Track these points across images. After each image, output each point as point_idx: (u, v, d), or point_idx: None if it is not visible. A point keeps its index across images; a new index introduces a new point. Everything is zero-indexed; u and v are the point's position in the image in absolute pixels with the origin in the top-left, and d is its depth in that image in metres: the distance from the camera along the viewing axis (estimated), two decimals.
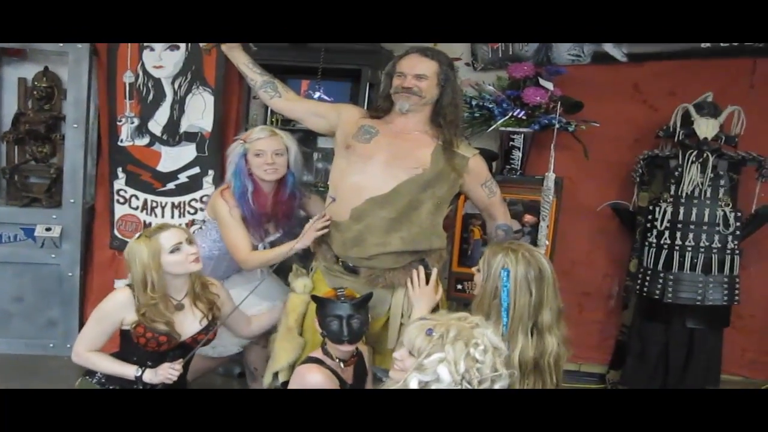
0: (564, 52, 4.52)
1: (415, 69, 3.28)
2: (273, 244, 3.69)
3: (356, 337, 3.06)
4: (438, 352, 2.21)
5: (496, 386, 2.22)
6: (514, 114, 4.20)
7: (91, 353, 3.20)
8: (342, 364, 3.10)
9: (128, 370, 3.16)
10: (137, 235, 3.27)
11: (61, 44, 4.66)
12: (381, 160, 3.26)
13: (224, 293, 3.46)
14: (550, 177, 3.73)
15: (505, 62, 4.55)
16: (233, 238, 3.59)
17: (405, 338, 2.35)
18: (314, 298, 3.21)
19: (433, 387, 2.19)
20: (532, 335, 2.70)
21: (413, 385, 2.21)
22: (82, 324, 4.83)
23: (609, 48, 4.47)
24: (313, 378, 3.02)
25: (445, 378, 2.17)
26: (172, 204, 4.79)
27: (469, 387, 2.17)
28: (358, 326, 3.05)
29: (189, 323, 3.26)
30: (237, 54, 3.62)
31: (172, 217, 4.78)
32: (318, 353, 3.14)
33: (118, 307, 3.17)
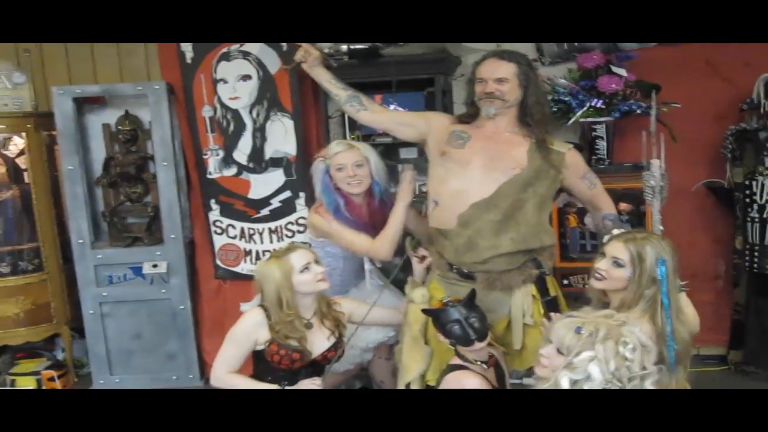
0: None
1: (495, 73, 3.31)
2: None
3: (483, 334, 3.09)
4: (588, 351, 2.28)
5: (646, 384, 2.28)
6: (592, 104, 4.24)
7: (231, 375, 3.29)
8: (485, 366, 3.13)
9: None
10: (266, 257, 3.43)
11: (140, 87, 4.88)
12: (478, 164, 3.29)
13: (349, 304, 3.56)
14: (655, 163, 3.56)
15: (572, 54, 4.56)
16: (348, 241, 3.68)
17: (553, 336, 2.41)
18: (425, 311, 3.28)
19: (585, 386, 2.25)
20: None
21: (564, 383, 2.27)
22: (200, 354, 5.11)
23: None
24: (470, 382, 3.04)
25: (596, 377, 2.24)
26: (269, 229, 4.94)
27: (619, 385, 2.24)
28: (479, 323, 3.08)
29: (318, 341, 3.37)
30: (319, 71, 3.72)
31: (271, 242, 4.93)
32: (457, 360, 3.17)
33: (252, 327, 3.29)
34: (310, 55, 3.66)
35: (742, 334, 4.51)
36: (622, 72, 4.20)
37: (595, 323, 2.33)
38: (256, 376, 3.36)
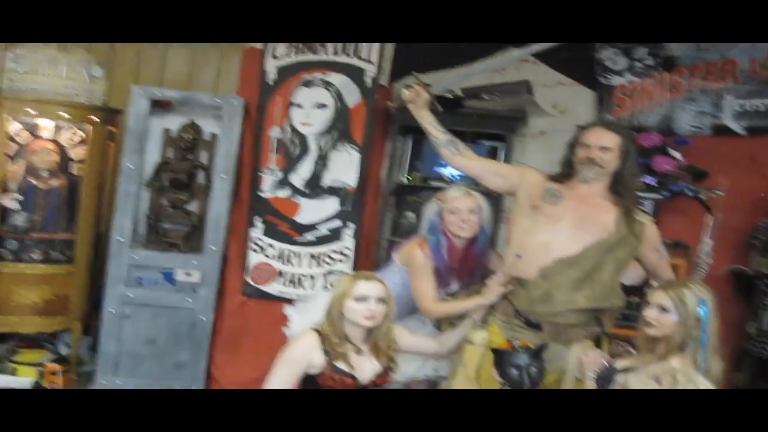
0: (685, 123, 4.87)
1: (600, 141, 3.52)
2: (451, 296, 3.90)
3: (535, 385, 3.23)
4: None
5: None
6: (645, 181, 4.54)
7: None
8: None
9: None
10: (350, 274, 3.55)
11: (218, 99, 4.98)
12: (568, 222, 3.48)
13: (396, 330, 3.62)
14: (707, 242, 3.98)
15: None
16: (423, 288, 3.81)
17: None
18: (494, 350, 3.38)
19: None
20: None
21: None
22: (209, 367, 5.08)
23: (729, 121, 4.82)
24: None
25: None
26: (310, 255, 5.04)
27: None
28: (537, 374, 3.22)
29: (368, 369, 3.40)
30: (424, 113, 3.83)
31: (309, 267, 5.03)
32: None
33: (306, 349, 3.33)
34: (419, 97, 3.79)
35: None
36: (678, 155, 4.54)
37: (668, 371, 2.65)
38: None
